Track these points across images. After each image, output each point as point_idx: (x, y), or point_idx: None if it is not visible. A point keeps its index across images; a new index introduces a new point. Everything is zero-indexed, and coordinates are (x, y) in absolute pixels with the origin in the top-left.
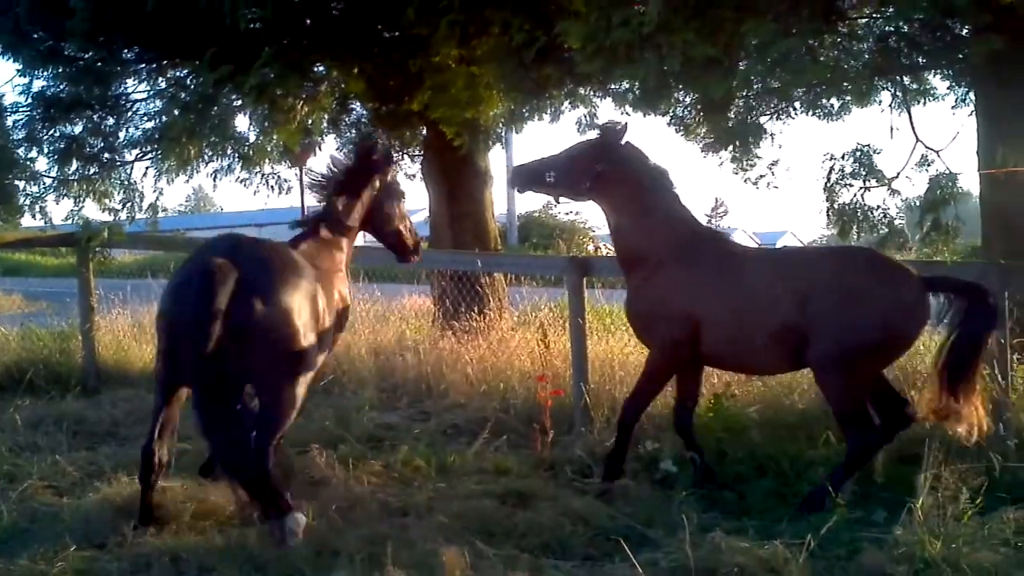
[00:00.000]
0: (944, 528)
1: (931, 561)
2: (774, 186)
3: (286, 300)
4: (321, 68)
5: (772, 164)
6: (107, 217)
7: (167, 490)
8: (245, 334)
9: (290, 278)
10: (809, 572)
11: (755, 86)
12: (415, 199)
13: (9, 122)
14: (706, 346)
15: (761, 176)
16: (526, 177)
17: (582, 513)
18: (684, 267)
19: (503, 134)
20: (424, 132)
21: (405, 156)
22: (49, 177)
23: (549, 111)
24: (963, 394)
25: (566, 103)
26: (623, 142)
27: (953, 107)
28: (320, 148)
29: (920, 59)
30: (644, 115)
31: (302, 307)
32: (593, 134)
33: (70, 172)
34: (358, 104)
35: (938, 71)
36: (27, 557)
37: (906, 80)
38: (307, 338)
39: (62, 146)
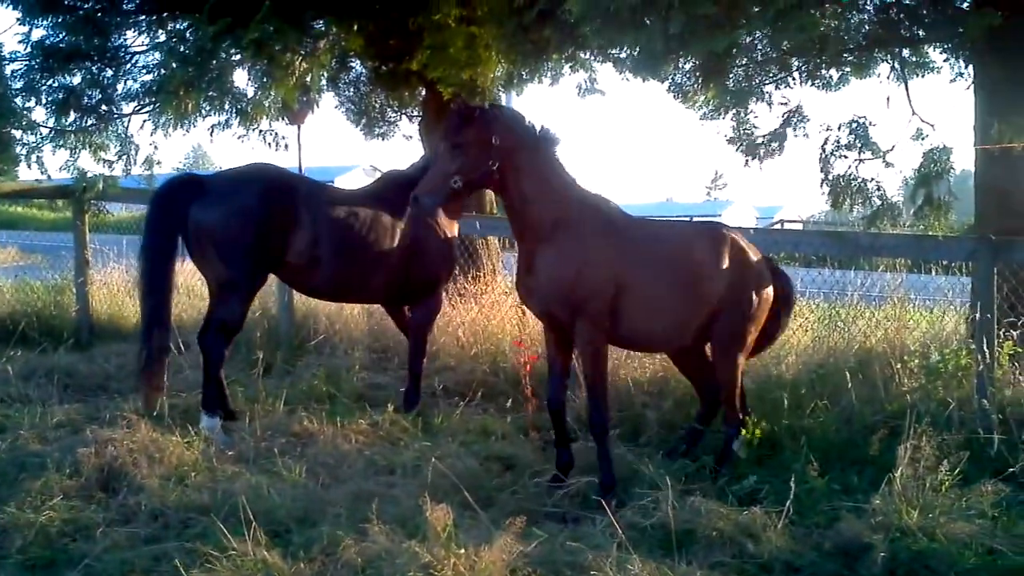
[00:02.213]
0: (922, 498)
1: (907, 530)
2: (769, 156)
3: None
4: (321, 24)
5: (769, 134)
6: (103, 170)
7: (156, 442)
8: None
9: None
10: (787, 538)
11: (755, 53)
12: (412, 161)
13: (8, 71)
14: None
15: (758, 145)
16: (435, 197)
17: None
18: (602, 234)
19: (503, 96)
20: (423, 92)
21: (404, 116)
22: (46, 128)
23: (549, 74)
24: None
25: (566, 67)
26: (496, 110)
27: (951, 80)
28: (318, 106)
29: (919, 31)
30: (644, 80)
31: None
32: (454, 115)
33: (67, 123)
34: (357, 62)
35: (937, 44)
36: (15, 505)
37: (905, 52)
38: None
39: (60, 97)
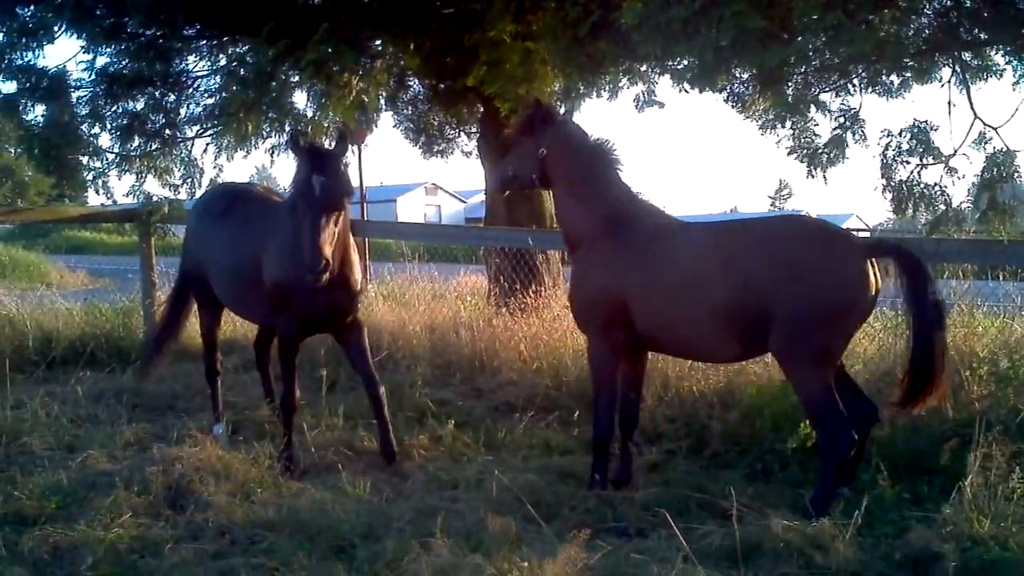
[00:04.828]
0: (993, 507)
1: (979, 539)
2: (831, 165)
3: None
4: (378, 44)
5: (829, 142)
6: (168, 193)
7: (223, 460)
8: None
9: None
10: (856, 549)
11: (813, 62)
12: (472, 178)
13: (73, 98)
14: (641, 328)
15: (818, 154)
16: (500, 182)
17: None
18: (612, 244)
19: (561, 111)
20: (480, 109)
21: (462, 134)
22: (112, 153)
23: (607, 88)
24: (936, 377)
25: (623, 80)
26: (561, 121)
27: (1014, 83)
28: (376, 125)
29: (981, 34)
30: (701, 92)
31: None
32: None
33: (132, 148)
34: (415, 81)
35: (999, 47)
36: (85, 523)
37: (966, 56)
38: None
39: (124, 122)
